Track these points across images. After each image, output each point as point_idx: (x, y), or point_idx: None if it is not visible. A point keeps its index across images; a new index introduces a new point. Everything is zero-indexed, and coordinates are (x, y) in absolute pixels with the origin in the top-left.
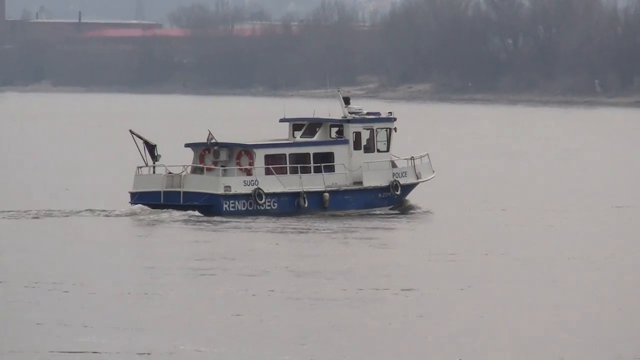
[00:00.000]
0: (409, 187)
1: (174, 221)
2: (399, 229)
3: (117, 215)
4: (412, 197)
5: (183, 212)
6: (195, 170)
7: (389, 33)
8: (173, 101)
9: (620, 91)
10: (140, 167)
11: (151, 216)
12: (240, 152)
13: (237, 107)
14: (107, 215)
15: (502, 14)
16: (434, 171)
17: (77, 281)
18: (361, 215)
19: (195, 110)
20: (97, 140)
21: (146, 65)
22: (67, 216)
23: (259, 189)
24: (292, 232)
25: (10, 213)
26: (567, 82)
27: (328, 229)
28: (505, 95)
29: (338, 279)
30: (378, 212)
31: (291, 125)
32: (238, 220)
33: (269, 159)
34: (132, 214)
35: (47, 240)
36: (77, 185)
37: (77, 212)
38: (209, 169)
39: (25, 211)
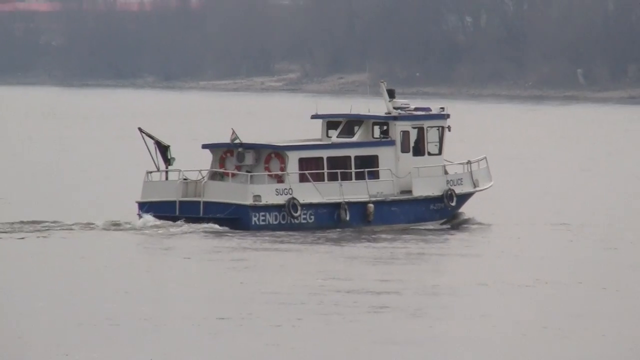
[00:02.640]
0: (464, 198)
1: (191, 237)
2: (459, 251)
3: (124, 230)
4: (466, 209)
5: (203, 226)
6: (215, 175)
7: (316, 8)
8: (33, 94)
9: (609, 84)
10: (150, 172)
11: (163, 231)
12: (270, 155)
13: (119, 101)
14: (116, 228)
15: None
16: (492, 178)
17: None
18: (411, 231)
19: (57, 105)
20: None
21: (3, 49)
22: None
23: (293, 198)
24: (344, 258)
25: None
26: (542, 72)
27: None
28: (463, 89)
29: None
30: (429, 226)
31: (325, 123)
32: (270, 237)
33: (303, 163)
34: (141, 228)
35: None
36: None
37: (68, 226)
38: (230, 174)
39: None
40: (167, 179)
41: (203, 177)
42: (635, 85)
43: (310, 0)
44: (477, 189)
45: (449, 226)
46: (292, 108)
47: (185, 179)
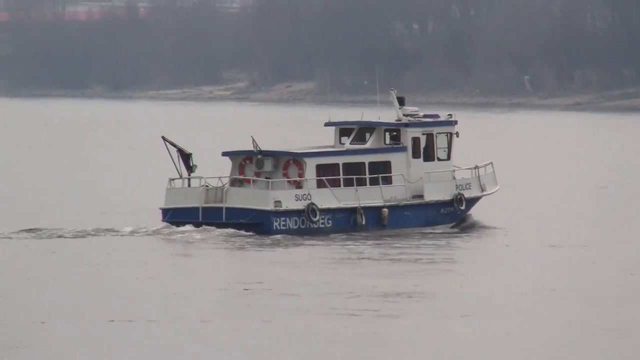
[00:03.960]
0: (473, 202)
1: (217, 242)
2: (478, 253)
3: (150, 234)
4: (473, 212)
5: (226, 231)
6: (235, 182)
7: (263, 17)
8: None
9: (556, 90)
10: (173, 179)
11: (187, 235)
12: (288, 162)
13: (65, 112)
14: (139, 233)
15: None
16: (498, 183)
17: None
18: (424, 235)
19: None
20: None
21: None
22: (82, 237)
23: (312, 204)
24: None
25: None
26: (488, 79)
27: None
28: (410, 96)
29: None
30: (440, 230)
31: (338, 130)
32: (291, 241)
33: (320, 169)
34: (169, 233)
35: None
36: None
37: (94, 233)
38: (249, 181)
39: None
40: (189, 185)
41: (225, 184)
42: (582, 91)
43: (258, 8)
44: (485, 193)
45: (459, 230)
46: (242, 116)
47: (206, 186)
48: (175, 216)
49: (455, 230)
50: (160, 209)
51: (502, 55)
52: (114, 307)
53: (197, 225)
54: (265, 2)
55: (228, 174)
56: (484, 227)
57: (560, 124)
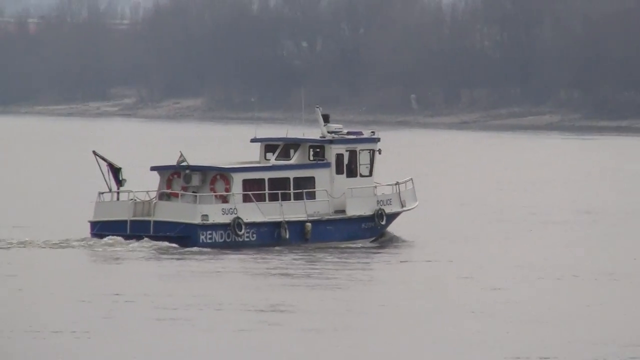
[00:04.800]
0: (393, 217)
1: (144, 254)
2: (394, 267)
3: (76, 247)
4: (391, 228)
5: (154, 244)
6: (163, 196)
7: (153, 33)
8: None
9: (442, 109)
10: (102, 193)
11: (116, 248)
12: (215, 177)
13: None
14: (63, 246)
15: (296, 9)
16: (417, 199)
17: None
18: (347, 250)
19: None
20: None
21: None
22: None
23: (238, 218)
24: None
25: None
26: (376, 97)
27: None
28: (298, 114)
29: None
30: (360, 244)
31: (263, 146)
32: (216, 254)
33: (247, 184)
34: (94, 246)
35: None
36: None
37: (23, 243)
38: (177, 195)
39: None
40: (118, 199)
41: (153, 198)
42: (467, 110)
43: (147, 25)
44: (405, 208)
45: (379, 245)
46: (128, 133)
47: (132, 199)
48: (103, 229)
49: (374, 244)
50: (89, 221)
51: (391, 74)
52: None
53: (126, 237)
54: (154, 18)
55: (156, 189)
56: (402, 242)
57: (447, 141)
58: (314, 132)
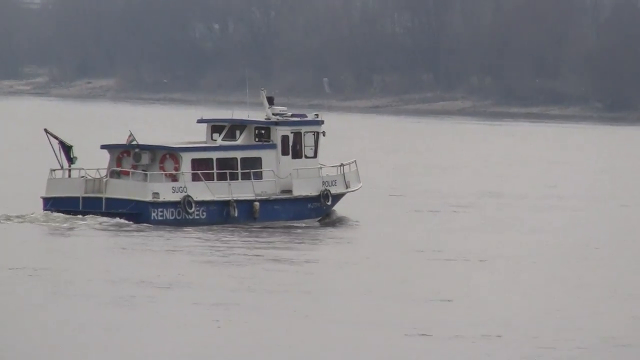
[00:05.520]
0: (338, 197)
1: (95, 230)
2: (344, 248)
3: (30, 221)
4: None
5: (105, 220)
6: (113, 174)
7: (65, 13)
8: None
9: (354, 93)
10: (54, 170)
11: (67, 224)
12: (165, 156)
13: None
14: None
15: None
16: (360, 180)
17: None
18: (295, 229)
19: None
20: None
21: None
22: None
23: (188, 196)
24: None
25: None
26: (288, 81)
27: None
28: (210, 96)
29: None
30: (305, 224)
31: (209, 127)
32: (168, 231)
33: (195, 163)
34: (47, 221)
35: None
36: None
37: None
38: (128, 173)
39: None
40: (69, 176)
41: (105, 175)
42: (380, 95)
43: (59, 4)
44: (349, 189)
45: (326, 224)
46: (41, 112)
47: (83, 177)
48: (56, 205)
49: (319, 224)
50: (42, 197)
51: (303, 58)
52: None
53: (77, 214)
54: None
55: (106, 167)
56: (346, 222)
57: (360, 126)
58: (226, 114)
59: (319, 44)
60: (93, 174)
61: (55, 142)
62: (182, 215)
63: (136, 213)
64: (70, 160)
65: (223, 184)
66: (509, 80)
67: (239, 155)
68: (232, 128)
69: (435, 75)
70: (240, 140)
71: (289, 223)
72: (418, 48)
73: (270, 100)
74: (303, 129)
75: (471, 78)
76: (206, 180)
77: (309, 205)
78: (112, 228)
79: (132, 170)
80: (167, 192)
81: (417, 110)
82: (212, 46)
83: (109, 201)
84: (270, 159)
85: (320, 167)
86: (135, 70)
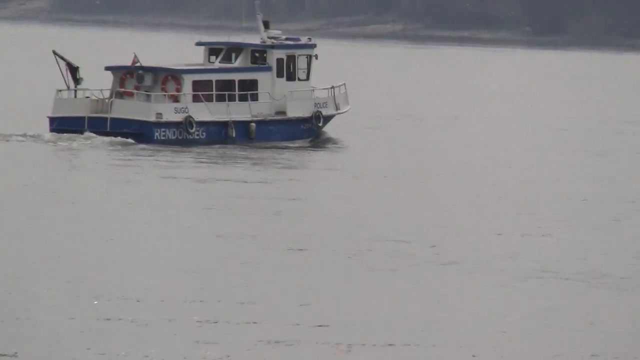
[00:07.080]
0: (328, 119)
1: (102, 149)
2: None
3: (40, 142)
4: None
5: (111, 139)
6: (117, 95)
7: None
8: None
9: (287, 16)
10: (60, 90)
11: (75, 143)
12: (167, 77)
13: None
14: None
15: None
16: (349, 103)
17: None
18: (290, 149)
19: None
20: None
21: None
22: None
23: (189, 117)
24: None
25: None
26: (221, 2)
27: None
28: (143, 18)
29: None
30: (298, 144)
31: (207, 50)
32: (170, 150)
33: (196, 85)
34: (54, 140)
35: None
36: None
37: None
38: (130, 94)
39: None
40: (75, 97)
41: (110, 96)
42: (312, 17)
43: None
44: (339, 111)
45: (318, 145)
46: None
47: (88, 97)
48: (62, 124)
49: (310, 145)
50: (48, 117)
51: None
52: None
53: (83, 133)
54: None
55: (110, 88)
56: (336, 143)
57: None
58: (136, 36)
59: None
60: (98, 95)
61: (62, 64)
62: (183, 135)
63: (140, 133)
64: (77, 81)
65: (222, 105)
66: (440, 4)
67: (237, 77)
68: (229, 51)
69: None
70: (237, 63)
71: (283, 143)
72: None
73: (266, 24)
74: (297, 52)
75: (402, 1)
76: (206, 101)
77: (302, 127)
78: (117, 147)
79: (135, 91)
80: (170, 113)
81: (348, 34)
82: None
83: (114, 121)
84: (266, 81)
85: (313, 90)
86: None
